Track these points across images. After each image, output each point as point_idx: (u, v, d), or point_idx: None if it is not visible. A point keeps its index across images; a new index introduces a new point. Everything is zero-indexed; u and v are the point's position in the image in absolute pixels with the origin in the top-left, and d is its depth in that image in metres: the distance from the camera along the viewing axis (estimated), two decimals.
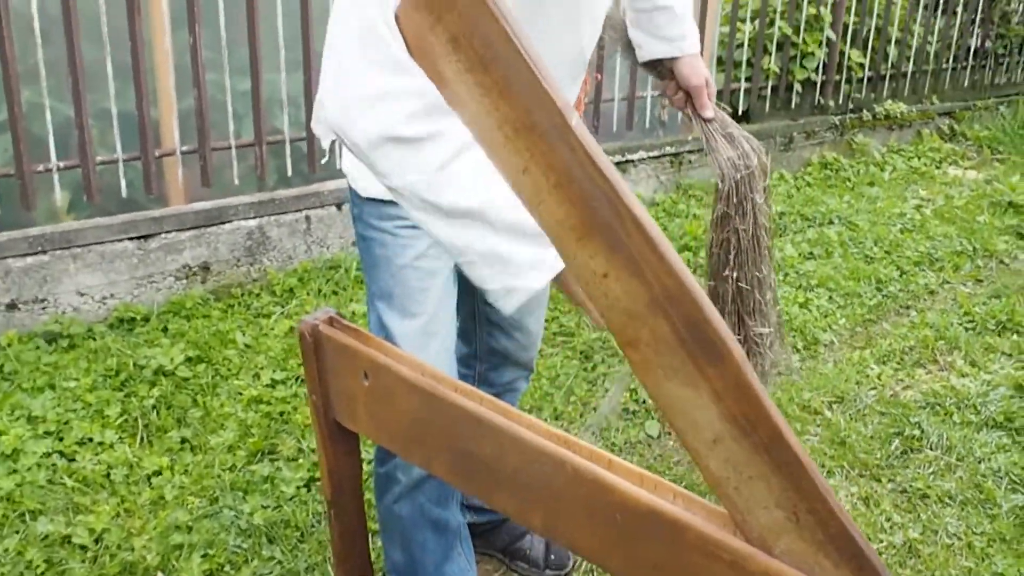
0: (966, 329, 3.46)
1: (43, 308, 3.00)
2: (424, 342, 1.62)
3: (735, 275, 1.72)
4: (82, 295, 3.08)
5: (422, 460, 1.47)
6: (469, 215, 1.28)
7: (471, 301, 1.87)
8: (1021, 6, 5.99)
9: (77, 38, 2.88)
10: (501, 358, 1.97)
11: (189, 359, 2.87)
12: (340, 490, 1.62)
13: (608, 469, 1.17)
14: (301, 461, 2.48)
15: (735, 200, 1.70)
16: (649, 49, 1.78)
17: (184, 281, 3.26)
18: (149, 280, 3.19)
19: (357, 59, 1.27)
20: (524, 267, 1.31)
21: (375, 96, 1.26)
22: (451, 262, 1.65)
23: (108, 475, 2.39)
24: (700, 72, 1.76)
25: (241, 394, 2.75)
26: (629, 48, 1.83)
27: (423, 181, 1.28)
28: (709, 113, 1.74)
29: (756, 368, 1.78)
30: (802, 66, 4.89)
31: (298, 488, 2.36)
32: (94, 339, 2.98)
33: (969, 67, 5.90)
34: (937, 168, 5.28)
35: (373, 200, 1.62)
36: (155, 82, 3.15)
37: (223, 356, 2.92)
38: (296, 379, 2.86)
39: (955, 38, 5.71)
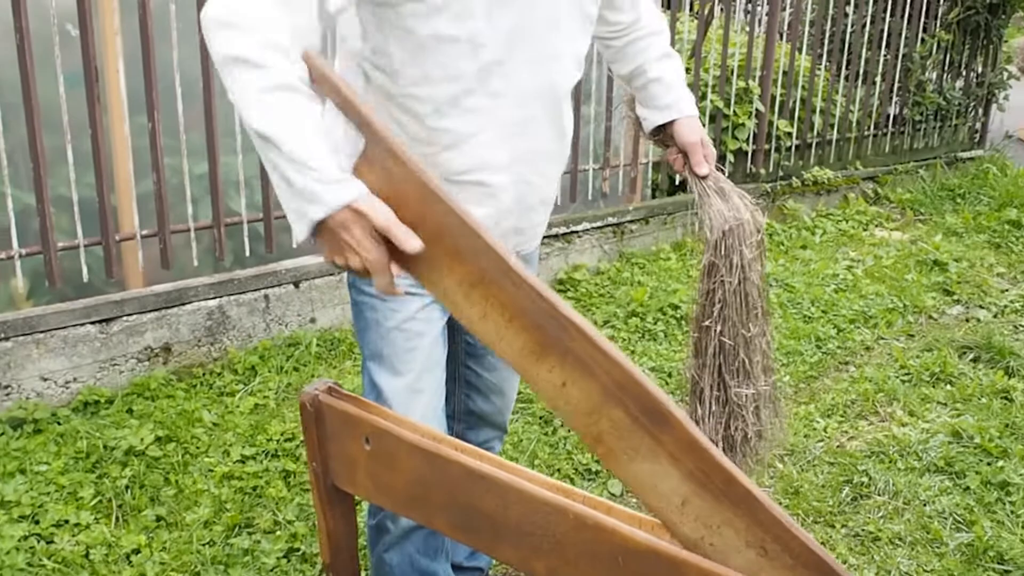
0: (903, 381, 3.64)
1: (7, 394, 3.01)
2: (412, 398, 1.71)
3: (718, 328, 1.83)
4: (45, 380, 3.09)
5: (423, 518, 1.55)
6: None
7: (452, 365, 1.97)
8: (935, 75, 6.37)
9: (38, 126, 2.94)
10: (477, 419, 2.06)
11: (158, 439, 2.90)
12: (338, 551, 1.69)
13: (608, 515, 1.27)
14: (279, 533, 2.52)
15: (722, 251, 1.82)
16: (651, 120, 1.93)
17: (146, 363, 3.29)
18: (112, 363, 3.21)
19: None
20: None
21: None
22: (438, 325, 1.76)
23: (87, 555, 2.40)
24: (695, 131, 1.90)
25: (212, 471, 2.79)
26: (639, 123, 1.97)
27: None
28: (704, 170, 1.89)
29: (738, 432, 1.85)
30: (734, 137, 5.13)
31: (278, 559, 2.40)
32: (59, 423, 2.99)
33: (889, 133, 6.22)
34: (864, 230, 5.54)
35: None
36: (113, 167, 3.21)
37: (191, 435, 2.96)
38: (266, 454, 2.90)
39: (875, 106, 6.04)
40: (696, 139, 1.90)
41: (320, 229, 1.32)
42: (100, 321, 3.17)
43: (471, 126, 1.60)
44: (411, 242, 1.28)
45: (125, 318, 3.22)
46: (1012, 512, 2.77)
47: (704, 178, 1.89)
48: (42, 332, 3.07)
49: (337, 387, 1.60)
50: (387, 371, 1.73)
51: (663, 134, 1.94)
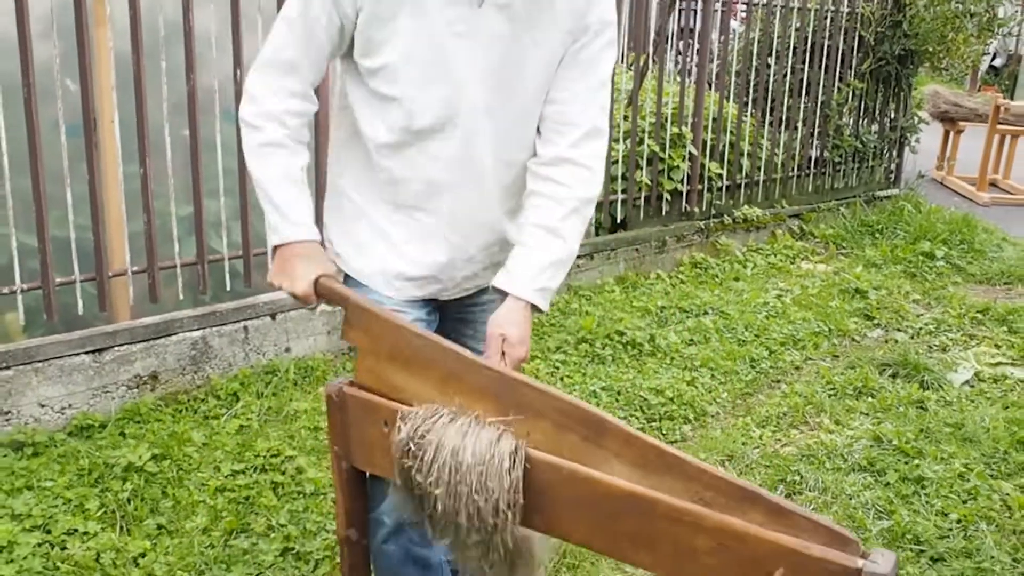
0: (829, 395, 4.02)
1: (7, 419, 3.22)
2: None
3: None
4: (43, 406, 3.31)
5: None
6: None
7: None
8: (851, 121, 6.88)
9: (42, 173, 3.20)
10: None
11: (154, 456, 3.13)
12: (352, 525, 1.97)
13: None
14: (274, 535, 2.78)
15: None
16: (497, 274, 1.92)
17: (136, 390, 3.52)
18: (104, 390, 3.44)
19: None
20: None
21: None
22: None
23: (98, 559, 2.63)
24: (505, 320, 1.85)
25: (206, 484, 3.03)
26: None
27: None
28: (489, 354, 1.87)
29: None
30: (670, 178, 5.54)
31: (276, 557, 2.66)
32: (57, 446, 3.21)
33: (812, 174, 6.70)
34: (791, 263, 5.97)
35: (355, 281, 2.03)
36: (106, 209, 3.47)
37: (183, 453, 3.20)
38: (254, 469, 3.16)
39: (798, 150, 6.52)
40: (496, 333, 1.85)
41: (275, 254, 1.88)
42: (94, 351, 3.41)
43: (405, 173, 1.93)
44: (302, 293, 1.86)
45: (117, 348, 3.46)
46: (927, 502, 3.15)
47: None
48: (40, 361, 3.29)
49: (358, 382, 1.91)
50: None
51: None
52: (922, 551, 2.90)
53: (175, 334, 3.61)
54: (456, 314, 2.15)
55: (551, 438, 1.70)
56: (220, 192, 3.71)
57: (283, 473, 3.13)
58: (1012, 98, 10.36)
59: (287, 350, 3.93)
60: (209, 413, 3.53)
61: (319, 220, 1.95)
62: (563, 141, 1.91)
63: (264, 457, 3.21)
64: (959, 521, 3.06)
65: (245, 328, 3.79)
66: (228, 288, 3.80)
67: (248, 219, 3.76)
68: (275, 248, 1.90)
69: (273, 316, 3.87)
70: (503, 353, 1.85)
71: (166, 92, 3.49)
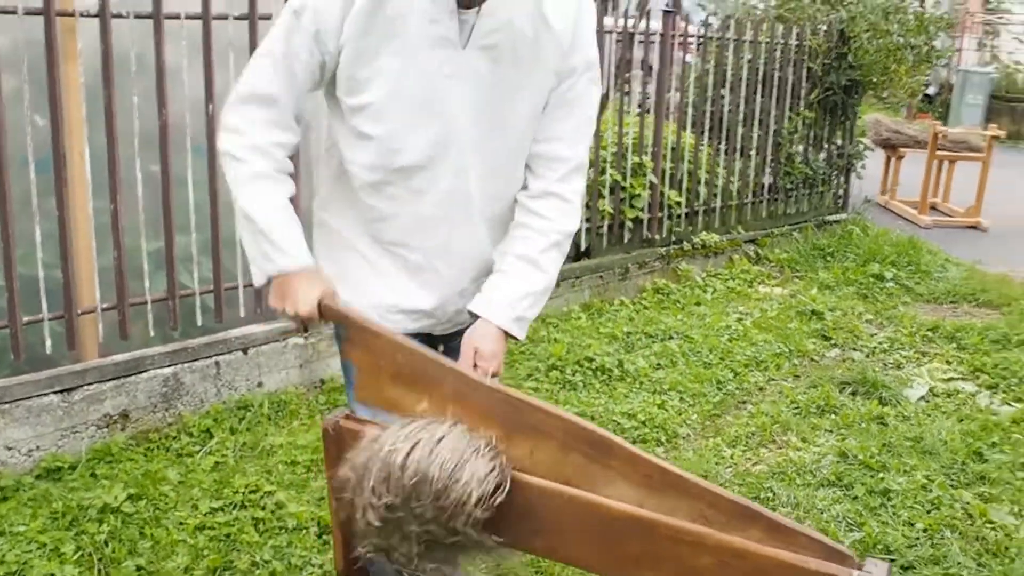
0: (794, 414, 4.11)
1: None
2: None
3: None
4: (9, 449, 3.26)
5: None
6: None
7: None
8: (802, 148, 7.05)
9: (10, 212, 3.17)
10: None
11: (130, 496, 3.09)
12: (350, 548, 1.98)
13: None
14: (259, 572, 2.76)
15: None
16: (473, 300, 1.98)
17: (106, 429, 3.48)
18: (73, 431, 3.40)
19: None
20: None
21: None
22: None
23: None
24: (480, 337, 1.92)
25: (184, 523, 3.00)
26: None
27: None
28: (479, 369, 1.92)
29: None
30: (631, 206, 5.63)
31: None
32: (25, 489, 3.15)
33: (765, 200, 6.84)
34: (750, 287, 6.09)
35: None
36: (75, 246, 3.43)
37: (159, 492, 3.16)
38: (233, 506, 3.13)
39: (752, 177, 6.66)
40: (469, 346, 1.92)
41: (271, 281, 1.89)
42: (62, 391, 3.36)
43: (392, 209, 1.96)
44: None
45: (86, 387, 3.42)
46: (894, 513, 3.24)
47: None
48: (7, 403, 3.24)
49: (352, 414, 1.93)
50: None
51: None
52: (892, 560, 2.97)
53: (146, 371, 3.57)
54: (447, 346, 2.17)
55: (555, 458, 1.73)
56: (191, 227, 3.69)
57: (263, 509, 3.11)
58: (946, 124, 10.68)
59: (259, 385, 3.91)
60: (182, 451, 3.50)
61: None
62: (552, 176, 1.98)
63: (243, 493, 3.19)
64: (925, 530, 3.16)
65: (217, 363, 3.77)
66: (199, 323, 3.77)
67: (220, 254, 3.75)
68: (271, 278, 1.90)
69: (245, 351, 3.85)
70: (475, 366, 1.91)
71: (137, 126, 3.47)
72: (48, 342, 3.36)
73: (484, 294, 1.96)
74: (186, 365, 3.68)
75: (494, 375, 1.90)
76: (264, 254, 1.87)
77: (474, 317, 1.96)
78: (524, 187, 2.02)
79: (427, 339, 2.10)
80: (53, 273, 3.37)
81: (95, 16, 3.32)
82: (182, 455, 3.47)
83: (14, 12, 3.13)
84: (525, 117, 1.93)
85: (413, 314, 2.03)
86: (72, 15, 3.27)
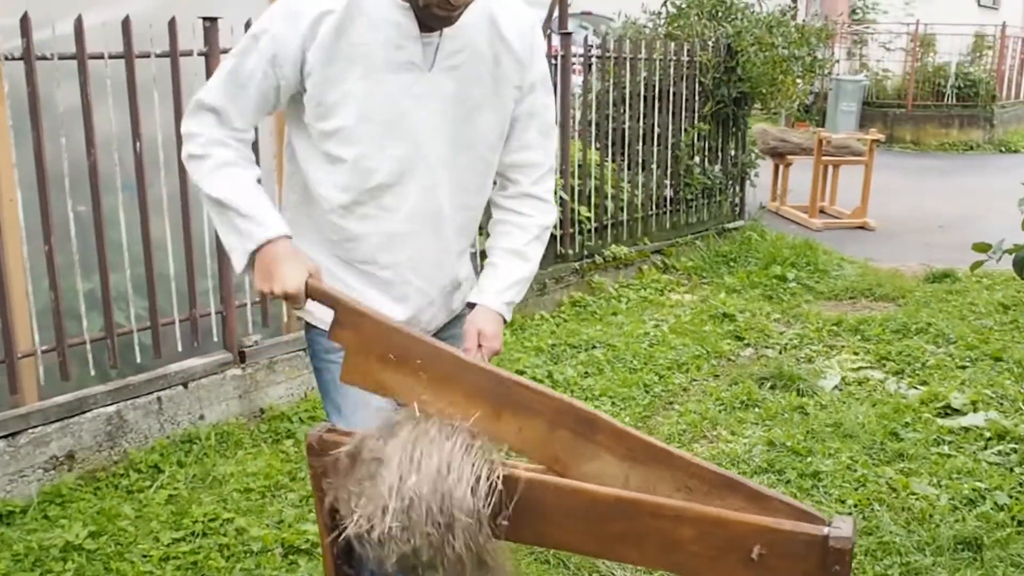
0: (720, 410, 4.33)
1: None
2: None
3: None
4: None
5: None
6: None
7: None
8: (699, 160, 7.36)
9: None
10: None
11: (91, 533, 3.09)
12: (338, 559, 2.07)
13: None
14: None
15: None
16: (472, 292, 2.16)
17: (53, 471, 3.46)
18: (20, 475, 3.37)
19: None
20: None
21: None
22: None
23: None
24: (481, 320, 2.07)
25: (148, 556, 3.03)
26: None
27: None
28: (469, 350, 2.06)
29: None
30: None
31: None
32: None
33: (668, 212, 7.12)
34: (661, 295, 6.33)
35: (312, 328, 2.14)
36: (10, 290, 3.41)
37: (117, 527, 3.17)
38: (194, 535, 3.16)
39: (654, 190, 6.93)
40: (473, 328, 2.06)
41: (253, 261, 1.87)
42: (7, 435, 3.33)
43: (363, 229, 2.06)
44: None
45: (31, 430, 3.39)
46: (826, 493, 3.48)
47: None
48: None
49: (335, 428, 2.02)
50: (343, 422, 2.12)
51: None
52: None
53: (89, 411, 3.56)
54: None
55: (543, 435, 1.81)
56: (125, 264, 3.70)
57: (225, 535, 3.15)
58: (824, 130, 11.23)
59: (201, 417, 3.92)
60: (133, 487, 3.50)
61: None
62: (526, 180, 2.13)
63: (202, 522, 3.22)
64: (856, 505, 3.40)
65: (159, 399, 3.78)
66: (138, 360, 3.77)
67: (155, 289, 3.77)
68: (252, 256, 1.88)
69: (185, 385, 3.86)
70: (480, 346, 2.05)
71: (66, 167, 3.48)
72: None
73: (479, 286, 2.13)
74: (128, 402, 3.68)
75: (496, 353, 2.06)
76: (241, 232, 1.88)
77: (470, 306, 2.12)
78: (502, 188, 2.17)
79: None
80: None
81: (20, 59, 3.32)
82: (133, 491, 3.47)
83: None
84: (491, 131, 2.06)
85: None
86: None
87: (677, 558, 1.80)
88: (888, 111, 14.68)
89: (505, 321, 2.12)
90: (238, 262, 1.92)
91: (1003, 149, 14.24)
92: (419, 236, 2.08)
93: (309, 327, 2.19)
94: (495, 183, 2.20)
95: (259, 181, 1.96)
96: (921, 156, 13.74)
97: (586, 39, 6.72)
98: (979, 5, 21.37)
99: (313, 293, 1.89)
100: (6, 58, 3.30)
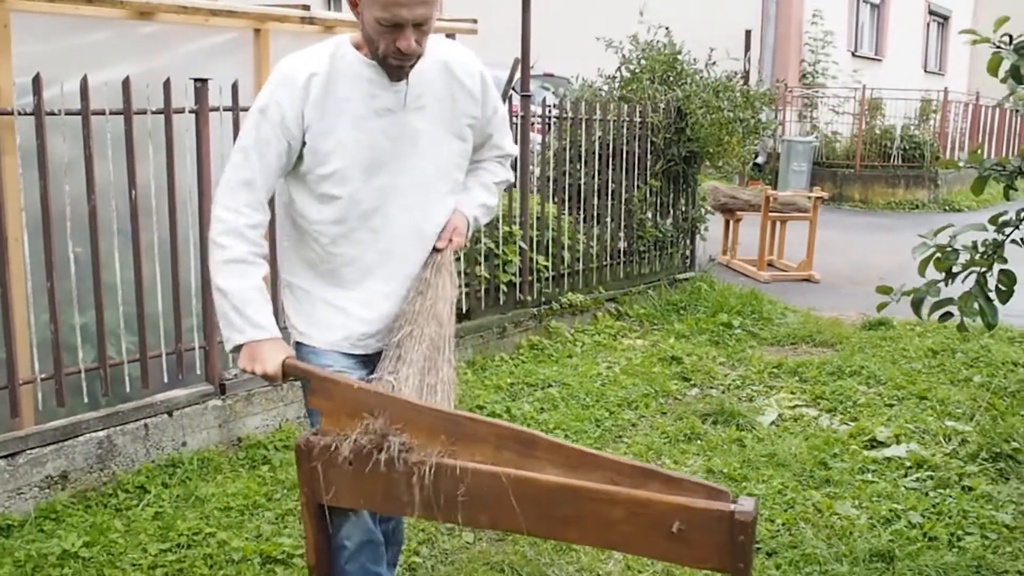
0: (665, 443, 4.70)
1: None
2: None
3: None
4: None
5: (396, 509, 2.32)
6: None
7: None
8: (651, 214, 7.81)
9: None
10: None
11: (85, 543, 3.38)
12: (320, 554, 2.40)
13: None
14: None
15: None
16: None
17: (48, 490, 3.74)
18: (18, 492, 3.65)
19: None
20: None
21: None
22: None
23: None
24: (455, 218, 2.55)
25: (138, 563, 3.32)
26: None
27: None
28: (439, 244, 2.54)
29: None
30: (504, 271, 6.21)
31: None
32: None
33: (622, 262, 7.55)
34: (614, 340, 6.73)
35: (305, 346, 2.50)
36: (15, 323, 3.72)
37: (109, 539, 3.46)
38: (179, 546, 3.46)
39: (608, 241, 7.36)
40: (450, 225, 2.53)
41: (239, 348, 2.32)
42: (7, 455, 3.62)
43: (356, 251, 2.47)
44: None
45: (29, 451, 3.69)
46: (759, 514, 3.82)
47: (437, 251, 2.53)
48: None
49: (318, 431, 2.35)
50: None
51: None
52: (759, 548, 3.56)
53: (82, 435, 3.86)
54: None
55: (492, 457, 2.20)
56: (118, 302, 4.03)
57: (208, 547, 3.45)
58: (776, 190, 11.77)
59: (184, 444, 4.22)
60: (121, 505, 3.79)
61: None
62: (492, 155, 2.70)
63: (187, 535, 3.51)
64: (784, 524, 3.77)
65: (146, 426, 4.08)
66: (127, 389, 4.08)
67: (144, 325, 4.09)
68: (238, 345, 2.33)
69: (170, 413, 4.17)
70: (451, 239, 2.52)
71: (68, 212, 3.82)
72: None
73: (457, 203, 2.56)
74: (118, 428, 3.98)
75: (460, 248, 2.58)
76: (234, 326, 2.31)
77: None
78: (479, 158, 2.65)
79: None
80: None
81: (31, 114, 3.67)
82: (122, 509, 3.76)
83: None
84: (455, 154, 2.52)
85: (377, 335, 2.50)
86: (11, 114, 3.62)
87: (611, 536, 2.17)
88: (838, 171, 15.35)
89: (469, 226, 2.60)
90: (227, 345, 2.36)
91: (947, 208, 14.92)
92: (405, 249, 2.49)
93: (299, 345, 2.55)
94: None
95: (264, 279, 2.36)
96: (868, 214, 14.38)
97: (545, 100, 7.18)
98: (925, 71, 22.34)
99: (289, 370, 2.33)
100: (19, 113, 3.65)
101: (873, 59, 19.65)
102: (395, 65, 2.30)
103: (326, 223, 2.42)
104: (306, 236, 2.47)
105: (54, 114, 3.74)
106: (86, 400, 3.94)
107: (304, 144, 2.36)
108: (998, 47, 3.19)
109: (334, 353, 2.50)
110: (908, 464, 4.47)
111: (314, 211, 2.42)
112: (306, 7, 4.97)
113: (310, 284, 2.51)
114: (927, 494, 4.16)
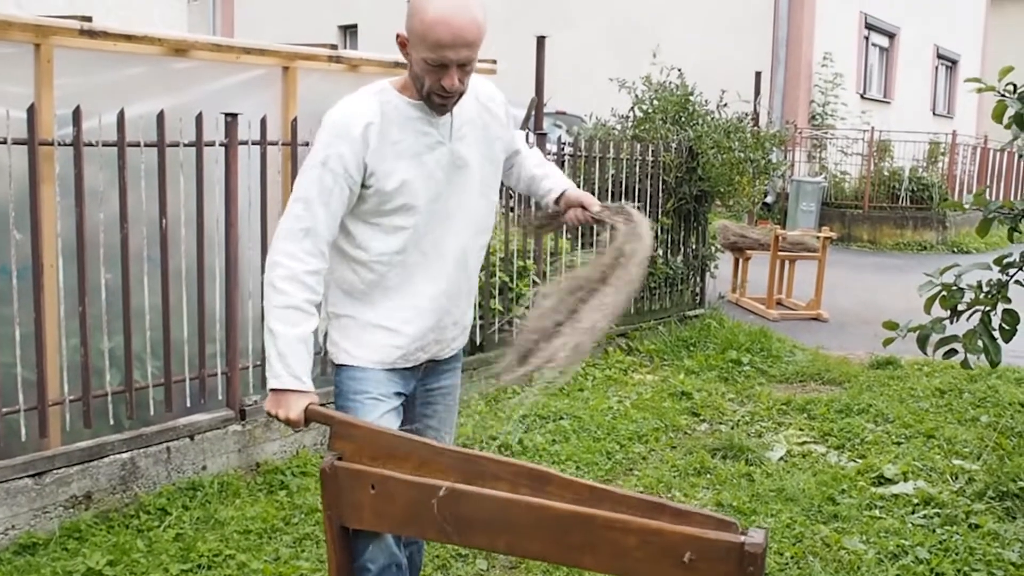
0: (675, 476, 4.78)
1: None
2: None
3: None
4: None
5: (417, 532, 2.42)
6: None
7: None
8: (662, 251, 7.93)
9: None
10: None
11: (109, 562, 3.47)
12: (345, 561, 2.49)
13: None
14: None
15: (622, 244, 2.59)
16: (550, 197, 2.83)
17: (72, 509, 3.84)
18: (44, 511, 3.75)
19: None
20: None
21: None
22: (394, 424, 2.64)
23: None
24: (578, 191, 2.80)
25: None
26: (539, 210, 2.97)
27: None
28: (596, 208, 2.73)
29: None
30: (518, 304, 6.32)
31: None
32: (5, 564, 3.49)
33: (633, 299, 7.65)
34: (625, 374, 6.81)
35: (348, 367, 2.61)
36: (45, 345, 3.83)
37: (131, 559, 3.55)
38: (199, 567, 3.54)
39: None
40: (576, 200, 2.76)
41: (272, 391, 2.44)
42: (35, 474, 3.72)
43: (407, 274, 2.61)
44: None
45: (55, 471, 3.79)
46: (768, 547, 3.90)
47: (601, 211, 2.70)
48: None
49: (341, 456, 2.45)
50: None
51: (557, 207, 2.81)
52: None
53: (106, 456, 3.96)
54: (421, 402, 2.76)
55: (509, 493, 2.30)
56: (145, 327, 4.14)
57: (228, 568, 3.54)
58: (785, 229, 11.89)
59: (204, 468, 4.32)
60: (143, 526, 3.88)
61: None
62: (535, 163, 2.93)
63: (207, 557, 3.60)
64: (792, 556, 3.84)
65: (168, 449, 4.18)
66: (151, 413, 4.18)
67: (170, 351, 4.20)
68: (272, 388, 2.46)
69: (192, 437, 4.27)
70: (585, 209, 2.74)
71: (102, 238, 3.95)
72: (23, 429, 3.73)
73: (554, 187, 2.82)
74: (141, 450, 4.08)
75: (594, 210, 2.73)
76: (273, 369, 2.45)
77: (557, 204, 2.82)
78: (512, 161, 2.88)
79: (408, 390, 2.69)
80: (10, 371, 3.75)
81: (70, 145, 3.81)
82: (143, 530, 3.85)
83: (3, 142, 3.61)
84: (488, 176, 2.70)
85: (424, 347, 2.66)
86: (52, 144, 3.76)
87: (624, 563, 2.25)
88: (846, 211, 15.46)
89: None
90: (269, 383, 2.47)
91: (955, 249, 15.00)
92: (450, 271, 2.63)
93: (340, 367, 2.66)
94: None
95: (312, 331, 2.48)
96: (877, 254, 14.47)
97: (559, 138, 7.32)
98: (934, 114, 22.52)
99: (312, 416, 2.46)
100: (59, 144, 3.78)
101: (882, 101, 19.84)
102: (439, 103, 2.47)
103: (390, 252, 2.56)
104: (353, 265, 2.60)
105: (92, 145, 3.88)
106: (111, 422, 4.04)
107: (365, 187, 2.49)
108: (1003, 95, 3.31)
109: (378, 371, 2.61)
110: (915, 501, 4.54)
111: (379, 243, 2.56)
112: (333, 46, 5.13)
113: (352, 309, 2.63)
114: (934, 531, 4.22)
